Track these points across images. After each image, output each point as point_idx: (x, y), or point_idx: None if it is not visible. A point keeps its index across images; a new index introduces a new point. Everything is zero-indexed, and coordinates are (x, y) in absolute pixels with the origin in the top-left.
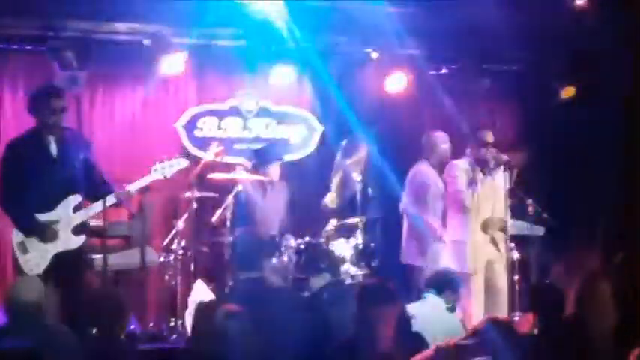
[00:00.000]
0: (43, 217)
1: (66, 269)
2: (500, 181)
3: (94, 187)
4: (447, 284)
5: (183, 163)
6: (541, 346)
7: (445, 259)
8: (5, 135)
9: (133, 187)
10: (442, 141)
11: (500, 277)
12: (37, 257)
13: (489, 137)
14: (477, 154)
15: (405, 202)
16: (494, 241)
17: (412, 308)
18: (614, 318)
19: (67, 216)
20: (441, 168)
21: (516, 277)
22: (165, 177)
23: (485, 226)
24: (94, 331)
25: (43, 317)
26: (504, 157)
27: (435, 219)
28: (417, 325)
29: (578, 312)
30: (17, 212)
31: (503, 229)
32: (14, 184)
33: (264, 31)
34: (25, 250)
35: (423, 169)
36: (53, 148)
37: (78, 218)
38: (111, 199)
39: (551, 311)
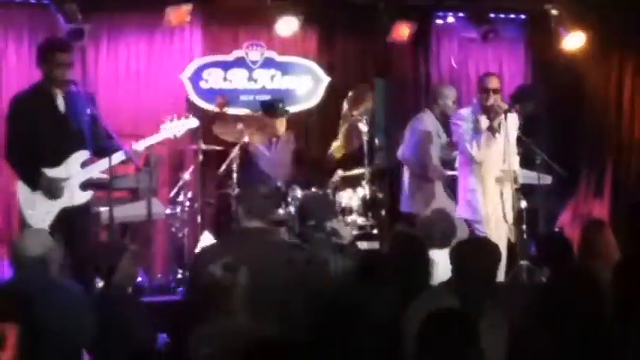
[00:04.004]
0: (50, 173)
1: (72, 224)
2: (507, 128)
3: (101, 143)
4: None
5: (194, 122)
6: (550, 295)
7: (458, 208)
8: (9, 88)
9: (141, 145)
10: (450, 97)
11: (501, 237)
12: (42, 212)
13: (493, 83)
14: (482, 101)
15: (403, 150)
16: (501, 198)
17: (433, 254)
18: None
19: (75, 172)
20: (442, 120)
21: (524, 227)
22: (175, 136)
23: (498, 180)
24: (100, 283)
25: (49, 270)
26: (504, 105)
27: (437, 166)
28: (437, 272)
29: (585, 260)
30: (24, 167)
31: (515, 180)
32: (22, 138)
33: None
34: (31, 204)
35: (426, 118)
36: (60, 103)
37: (85, 174)
38: (119, 156)
39: (560, 260)
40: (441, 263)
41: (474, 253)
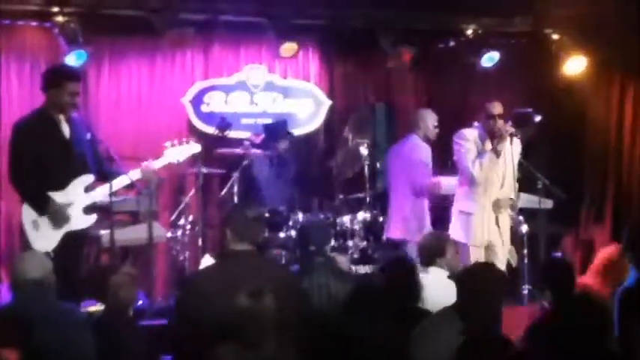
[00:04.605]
0: (55, 196)
1: (75, 247)
2: (508, 153)
3: (103, 167)
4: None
5: (196, 148)
6: (553, 320)
7: (451, 230)
8: (11, 108)
9: (153, 166)
10: (430, 120)
11: (499, 263)
12: (47, 235)
13: (498, 108)
14: (485, 126)
15: (413, 179)
16: (497, 223)
17: (423, 278)
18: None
19: (79, 196)
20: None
21: (525, 251)
22: (178, 161)
23: (495, 206)
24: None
25: (48, 292)
26: (510, 129)
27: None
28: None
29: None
30: (32, 191)
31: (512, 207)
32: (28, 163)
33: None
34: (36, 227)
35: (419, 143)
36: (65, 129)
37: (89, 198)
38: (123, 180)
39: (562, 284)
40: (432, 285)
41: (480, 278)
